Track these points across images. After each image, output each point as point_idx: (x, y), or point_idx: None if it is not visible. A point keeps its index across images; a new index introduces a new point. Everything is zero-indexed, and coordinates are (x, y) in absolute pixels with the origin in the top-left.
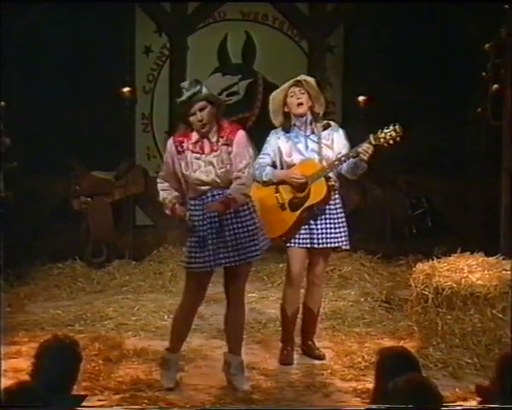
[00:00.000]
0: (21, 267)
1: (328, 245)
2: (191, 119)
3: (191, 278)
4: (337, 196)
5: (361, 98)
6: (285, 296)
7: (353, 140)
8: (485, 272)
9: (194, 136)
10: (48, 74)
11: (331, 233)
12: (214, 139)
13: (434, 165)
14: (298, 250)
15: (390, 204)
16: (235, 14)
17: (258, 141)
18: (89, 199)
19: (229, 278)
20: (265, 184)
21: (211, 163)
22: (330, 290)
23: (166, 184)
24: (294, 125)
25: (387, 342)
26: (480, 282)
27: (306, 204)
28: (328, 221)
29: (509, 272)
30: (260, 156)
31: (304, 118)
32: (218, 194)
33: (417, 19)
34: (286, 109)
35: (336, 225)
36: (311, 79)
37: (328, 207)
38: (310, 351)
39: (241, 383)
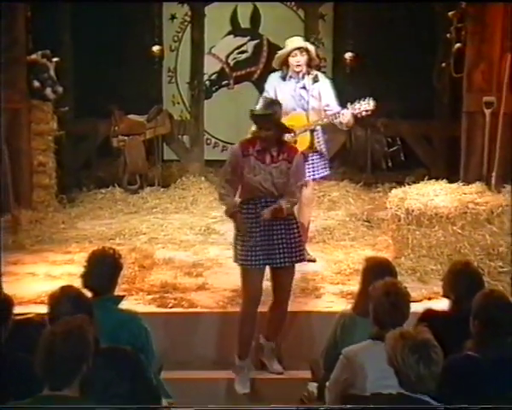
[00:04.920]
0: (72, 193)
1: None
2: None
3: (247, 274)
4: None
5: (347, 55)
6: None
7: (342, 90)
8: (448, 195)
9: (258, 145)
10: (93, 36)
11: (314, 167)
12: (275, 153)
13: (407, 110)
14: None
15: (370, 143)
16: None
17: (262, 88)
18: (126, 138)
19: (276, 278)
20: None
21: (270, 173)
22: (321, 211)
23: (227, 187)
24: (291, 76)
25: (368, 253)
26: (443, 204)
27: None
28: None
29: (467, 196)
30: (265, 94)
31: (298, 73)
32: (271, 201)
33: None
34: (286, 63)
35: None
36: (312, 48)
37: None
38: None
39: (272, 364)
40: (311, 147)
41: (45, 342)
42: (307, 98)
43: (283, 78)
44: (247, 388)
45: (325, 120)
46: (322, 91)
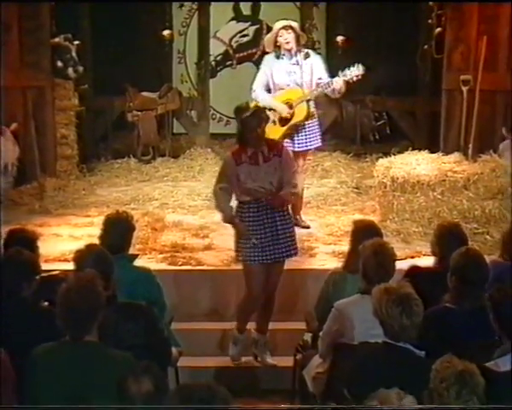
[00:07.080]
0: (92, 163)
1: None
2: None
3: (250, 271)
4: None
5: (339, 38)
6: None
7: (335, 69)
8: (429, 165)
9: (250, 150)
10: (111, 22)
11: (311, 137)
12: (266, 151)
13: (393, 87)
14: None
15: (359, 117)
16: None
17: None
18: (139, 113)
19: (269, 272)
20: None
21: (265, 173)
22: (315, 179)
23: (223, 195)
24: (284, 55)
25: (357, 217)
26: (424, 172)
27: (292, 122)
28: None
29: (446, 165)
30: (259, 77)
31: (290, 51)
32: (271, 198)
33: None
34: (277, 44)
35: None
36: (295, 24)
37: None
38: (298, 223)
39: (265, 357)
40: (309, 115)
41: (62, 297)
42: (300, 74)
43: (278, 57)
44: (240, 358)
45: (319, 89)
46: (315, 66)
